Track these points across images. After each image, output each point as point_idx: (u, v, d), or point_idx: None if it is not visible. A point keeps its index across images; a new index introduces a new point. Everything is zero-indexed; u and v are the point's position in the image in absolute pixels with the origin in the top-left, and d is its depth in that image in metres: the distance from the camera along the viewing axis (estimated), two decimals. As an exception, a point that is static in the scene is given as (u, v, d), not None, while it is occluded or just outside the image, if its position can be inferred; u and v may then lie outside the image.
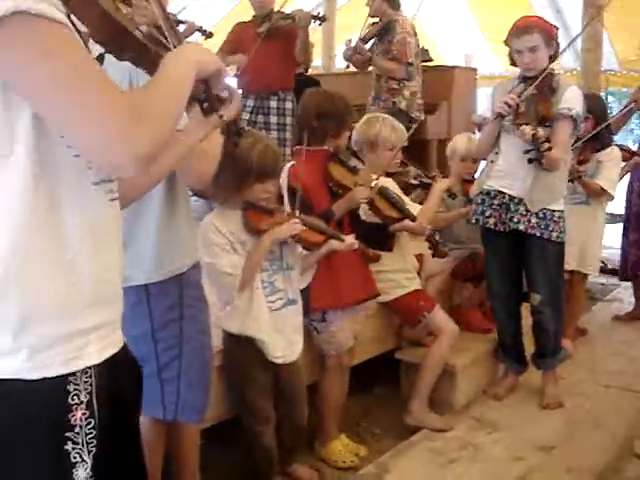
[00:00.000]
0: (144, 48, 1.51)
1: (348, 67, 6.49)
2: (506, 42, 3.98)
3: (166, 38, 1.55)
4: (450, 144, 4.78)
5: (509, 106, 3.78)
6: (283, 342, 3.13)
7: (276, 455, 3.18)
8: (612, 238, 6.48)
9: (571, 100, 3.86)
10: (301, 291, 3.28)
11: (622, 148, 5.73)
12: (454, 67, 7.59)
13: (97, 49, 1.54)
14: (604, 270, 6.79)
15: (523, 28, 3.85)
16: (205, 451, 2.91)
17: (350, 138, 3.82)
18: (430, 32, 10.96)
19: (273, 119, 5.64)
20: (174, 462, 2.81)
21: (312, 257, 3.30)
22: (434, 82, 6.52)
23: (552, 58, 3.92)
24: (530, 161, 3.74)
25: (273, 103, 5.64)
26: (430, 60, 7.54)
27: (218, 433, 3.16)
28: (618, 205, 6.01)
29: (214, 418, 3.08)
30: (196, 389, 2.61)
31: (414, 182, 4.01)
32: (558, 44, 3.97)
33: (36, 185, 1.31)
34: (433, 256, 4.10)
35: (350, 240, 3.33)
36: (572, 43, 4.38)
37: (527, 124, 3.76)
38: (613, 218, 6.56)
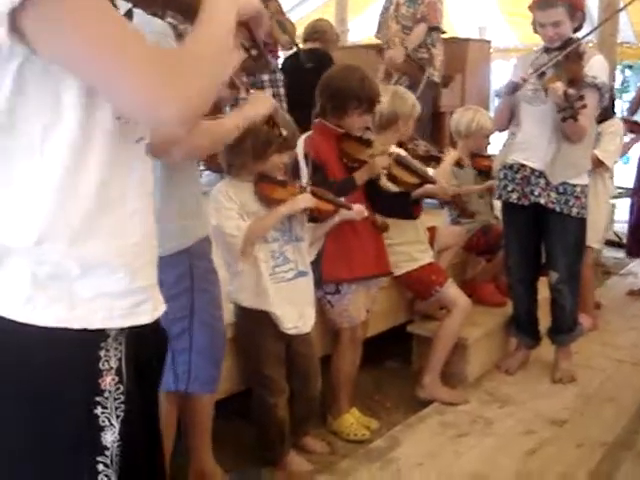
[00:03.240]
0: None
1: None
2: (530, 10, 3.91)
3: None
4: (452, 121, 4.74)
5: (523, 80, 3.74)
6: (295, 313, 3.13)
7: (288, 427, 3.18)
8: (626, 212, 6.43)
9: (596, 69, 3.79)
10: (311, 264, 3.27)
11: (631, 121, 5.70)
12: (468, 39, 7.52)
13: (125, 6, 1.52)
14: (618, 244, 6.77)
15: (547, 1, 3.77)
16: (218, 423, 2.91)
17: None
18: (445, 2, 10.87)
19: (268, 92, 5.63)
20: (187, 433, 2.84)
21: (320, 229, 3.31)
22: (448, 55, 6.45)
23: (577, 29, 3.85)
24: (564, 119, 3.59)
25: (265, 76, 5.63)
26: (443, 32, 7.48)
27: (231, 405, 3.17)
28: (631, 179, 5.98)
29: (227, 390, 3.09)
30: (208, 360, 2.62)
31: (423, 155, 3.98)
32: (584, 14, 3.89)
33: (90, 144, 1.31)
34: (459, 216, 4.08)
35: (359, 208, 3.32)
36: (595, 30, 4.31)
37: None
38: (627, 192, 6.53)
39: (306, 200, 3.09)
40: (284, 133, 2.61)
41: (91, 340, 1.36)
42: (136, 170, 1.42)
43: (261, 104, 2.45)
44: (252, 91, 2.58)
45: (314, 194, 3.14)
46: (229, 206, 2.98)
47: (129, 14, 1.52)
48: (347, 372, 3.61)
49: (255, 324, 3.08)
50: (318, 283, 3.37)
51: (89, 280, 1.34)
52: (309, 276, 3.24)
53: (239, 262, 3.03)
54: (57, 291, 1.33)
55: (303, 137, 3.46)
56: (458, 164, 4.12)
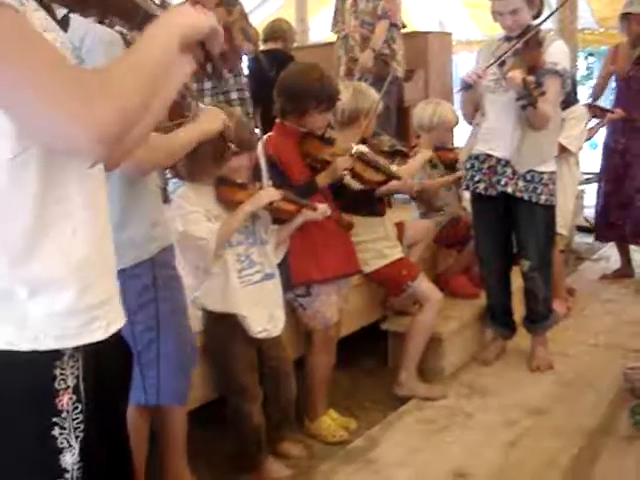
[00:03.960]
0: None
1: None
2: None
3: None
4: (415, 115, 4.69)
5: (478, 76, 3.72)
6: (264, 316, 3.09)
7: (264, 433, 3.13)
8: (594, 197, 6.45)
9: (557, 55, 3.78)
10: (279, 266, 3.23)
11: (596, 107, 5.71)
12: (428, 33, 7.51)
13: (61, 12, 1.47)
14: (589, 230, 6.78)
15: None
16: (193, 433, 2.86)
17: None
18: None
19: (234, 95, 5.58)
20: (161, 446, 2.78)
21: (285, 230, 3.28)
22: (409, 49, 6.44)
23: (535, 16, 3.83)
24: (524, 107, 3.58)
25: (230, 80, 5.58)
26: (404, 27, 7.46)
27: (206, 414, 3.12)
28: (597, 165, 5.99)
29: (200, 399, 3.04)
30: (176, 371, 2.57)
31: (388, 150, 3.94)
32: (542, 2, 3.86)
33: (25, 163, 1.26)
34: (426, 212, 4.05)
35: (323, 207, 3.29)
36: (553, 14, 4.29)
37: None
38: (595, 177, 6.55)
39: (269, 194, 3.05)
40: (233, 148, 2.60)
41: (44, 360, 1.32)
42: (79, 184, 1.35)
43: (213, 120, 2.45)
44: (202, 105, 2.57)
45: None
46: (194, 210, 2.95)
47: (65, 20, 1.47)
48: (322, 374, 3.56)
49: (224, 330, 3.04)
50: (287, 285, 3.32)
51: (38, 300, 1.30)
52: (276, 278, 3.20)
53: (211, 265, 3.00)
54: (5, 313, 1.28)
55: (264, 138, 3.42)
56: (432, 164, 4.11)
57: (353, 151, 3.48)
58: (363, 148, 3.62)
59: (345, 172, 3.45)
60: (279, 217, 3.20)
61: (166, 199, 5.72)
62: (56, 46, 1.26)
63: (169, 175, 3.10)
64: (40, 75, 1.15)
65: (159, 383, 2.51)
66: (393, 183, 3.64)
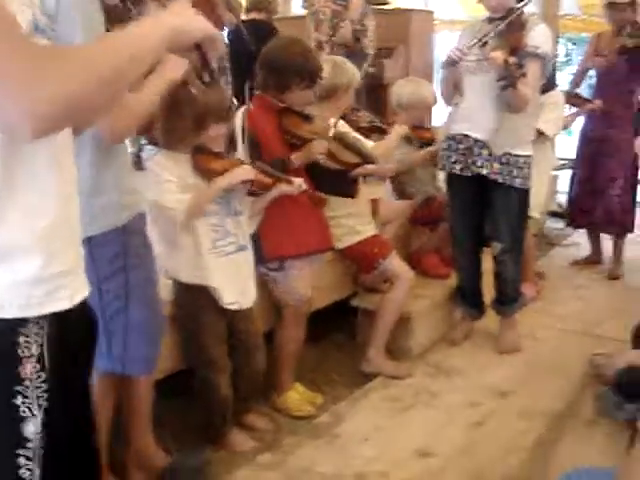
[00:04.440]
0: None
1: None
2: None
3: None
4: (393, 93, 4.65)
5: (463, 53, 3.70)
6: (236, 288, 3.08)
7: (231, 405, 3.13)
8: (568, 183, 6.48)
9: (539, 39, 3.76)
10: (251, 239, 3.22)
11: (575, 95, 5.71)
12: (411, 10, 7.45)
13: None
14: (561, 215, 6.81)
15: None
16: (158, 404, 2.85)
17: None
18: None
19: (214, 65, 5.52)
20: (126, 414, 2.77)
21: (259, 203, 3.25)
22: (390, 25, 6.39)
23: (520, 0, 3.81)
24: (504, 88, 3.58)
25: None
26: (386, 3, 7.40)
27: (172, 385, 3.10)
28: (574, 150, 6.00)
29: (167, 370, 3.02)
30: (144, 339, 2.55)
31: (367, 126, 3.92)
32: None
33: None
34: (399, 198, 4.04)
35: (298, 181, 3.27)
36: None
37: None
38: (569, 163, 6.57)
39: (245, 172, 3.02)
40: (194, 91, 2.53)
41: (8, 327, 1.30)
42: (44, 151, 1.31)
43: (176, 67, 2.35)
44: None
45: (253, 167, 3.07)
46: (168, 178, 2.91)
47: None
48: (291, 348, 3.56)
49: (195, 301, 3.02)
50: (259, 259, 3.30)
51: (3, 268, 1.27)
52: (249, 250, 3.18)
53: (180, 236, 2.96)
54: None
55: (242, 110, 3.39)
56: (407, 138, 4.09)
57: (331, 132, 3.45)
58: (342, 125, 3.59)
59: (320, 156, 3.42)
60: (254, 191, 3.16)
61: (140, 166, 5.65)
62: (9, 14, 1.17)
63: (143, 142, 3.06)
64: None
65: (125, 352, 2.49)
66: (368, 166, 3.63)
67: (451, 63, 3.76)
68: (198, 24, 1.41)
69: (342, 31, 5.88)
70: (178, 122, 2.88)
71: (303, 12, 6.70)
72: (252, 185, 3.08)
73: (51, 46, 1.26)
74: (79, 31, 2.03)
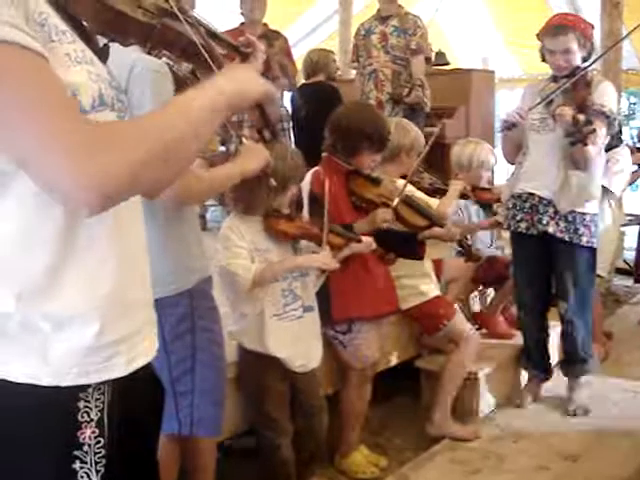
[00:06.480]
0: (149, 27, 1.44)
1: None
2: (538, 37, 3.88)
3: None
4: (453, 154, 4.64)
5: (521, 117, 3.70)
6: (302, 350, 3.07)
7: (294, 468, 3.11)
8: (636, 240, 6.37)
9: (604, 97, 3.75)
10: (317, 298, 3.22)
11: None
12: (471, 70, 7.51)
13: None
14: (629, 272, 6.69)
15: (558, 28, 3.75)
16: (222, 465, 2.85)
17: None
18: (447, 34, 10.91)
19: (274, 123, 5.61)
20: (191, 476, 2.76)
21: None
22: (451, 85, 6.45)
23: (584, 59, 3.81)
24: (573, 144, 3.55)
25: None
26: (447, 64, 7.47)
27: (235, 446, 3.10)
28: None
29: (230, 431, 3.03)
30: (211, 402, 2.56)
31: (428, 187, 3.92)
32: (592, 44, 3.86)
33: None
34: (467, 261, 4.03)
35: (368, 240, 3.27)
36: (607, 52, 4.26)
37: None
38: (636, 219, 6.47)
39: (324, 261, 3.02)
40: (274, 183, 2.59)
41: (68, 393, 1.30)
42: (106, 219, 1.30)
43: (256, 157, 2.42)
44: (245, 141, 2.57)
45: (322, 227, 3.07)
46: (240, 244, 2.93)
47: (105, 50, 1.48)
48: (356, 410, 3.53)
49: (259, 366, 3.01)
50: (326, 321, 3.31)
51: (62, 335, 1.28)
52: (315, 311, 3.18)
53: (245, 304, 2.98)
54: (28, 347, 1.27)
55: (311, 172, 3.41)
56: (462, 195, 4.06)
57: (398, 196, 3.44)
58: (410, 189, 3.59)
59: (383, 224, 3.42)
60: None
61: (204, 227, 5.77)
62: (66, 94, 1.20)
63: (209, 202, 3.11)
64: (40, 120, 1.13)
65: (193, 414, 2.50)
66: (436, 229, 3.60)
67: (509, 126, 3.77)
68: (257, 83, 1.42)
69: (416, 94, 5.92)
70: (253, 200, 2.94)
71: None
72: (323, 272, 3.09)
73: (106, 122, 1.27)
74: (148, 99, 2.11)
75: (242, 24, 5.91)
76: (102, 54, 1.43)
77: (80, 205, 1.16)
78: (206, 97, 1.31)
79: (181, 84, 2.23)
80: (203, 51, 1.55)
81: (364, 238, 3.26)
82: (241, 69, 1.46)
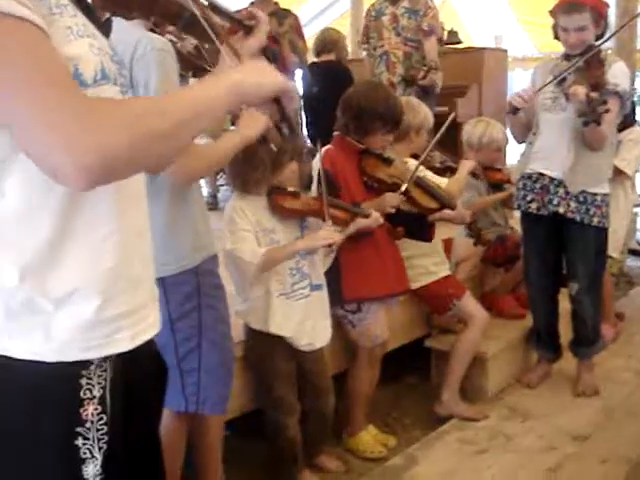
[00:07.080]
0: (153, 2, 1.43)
1: None
2: (552, 14, 3.83)
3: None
4: (464, 133, 4.60)
5: (525, 101, 3.66)
6: (309, 329, 3.06)
7: (301, 446, 3.12)
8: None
9: (618, 76, 3.70)
10: (326, 277, 3.21)
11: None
12: (484, 49, 7.45)
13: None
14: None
15: (573, 5, 3.68)
16: (228, 443, 2.85)
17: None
18: (460, 12, 10.83)
19: (292, 117, 5.59)
20: (197, 454, 2.77)
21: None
22: (464, 64, 6.41)
23: (598, 37, 3.76)
24: (586, 124, 3.48)
25: None
26: (459, 42, 7.41)
27: (241, 425, 3.11)
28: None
29: (237, 410, 3.03)
30: (217, 379, 2.56)
31: (439, 167, 3.89)
32: (607, 23, 3.80)
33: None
34: (476, 244, 4.01)
35: (376, 215, 3.24)
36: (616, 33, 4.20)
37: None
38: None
39: (328, 236, 2.97)
40: (274, 148, 2.56)
41: (70, 370, 1.31)
42: (105, 195, 1.30)
43: (256, 123, 2.39)
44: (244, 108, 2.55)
45: (330, 203, 3.05)
46: (246, 227, 2.91)
47: (107, 24, 1.47)
48: (364, 389, 3.53)
49: (266, 345, 3.02)
50: (336, 300, 3.30)
51: (64, 311, 1.28)
52: (323, 289, 3.17)
53: (250, 288, 2.97)
54: (31, 324, 1.28)
55: (322, 150, 3.38)
56: (473, 174, 4.04)
57: (410, 177, 3.42)
58: (421, 172, 3.56)
59: (392, 209, 3.39)
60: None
61: (215, 206, 5.75)
62: (61, 64, 1.19)
63: (221, 182, 3.09)
64: (39, 93, 1.11)
65: (199, 392, 2.50)
66: (446, 212, 3.56)
67: (513, 110, 3.74)
68: (273, 78, 1.41)
69: (431, 77, 5.85)
70: (254, 172, 2.91)
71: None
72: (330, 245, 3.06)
73: (105, 98, 1.27)
74: (153, 77, 2.09)
75: (252, 3, 5.88)
76: (105, 29, 1.42)
77: (70, 180, 1.15)
78: (218, 87, 1.32)
79: (185, 62, 2.22)
80: (205, 24, 1.54)
81: (372, 212, 3.24)
82: (260, 62, 1.46)
